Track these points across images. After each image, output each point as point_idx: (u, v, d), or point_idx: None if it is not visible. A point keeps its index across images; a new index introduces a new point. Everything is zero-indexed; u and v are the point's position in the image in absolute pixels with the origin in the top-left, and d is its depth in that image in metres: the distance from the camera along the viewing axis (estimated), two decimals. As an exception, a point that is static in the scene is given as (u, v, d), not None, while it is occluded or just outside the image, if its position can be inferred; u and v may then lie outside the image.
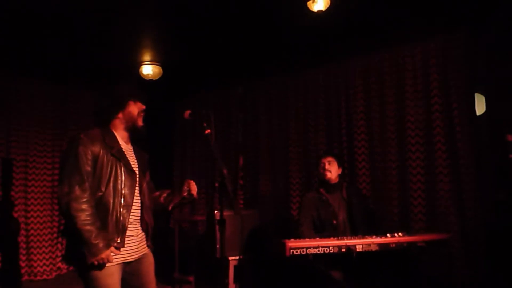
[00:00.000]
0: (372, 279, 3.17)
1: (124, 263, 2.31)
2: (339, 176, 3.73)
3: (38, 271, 5.00)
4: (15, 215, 4.92)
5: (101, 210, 2.24)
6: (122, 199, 2.30)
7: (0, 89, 4.93)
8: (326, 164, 3.73)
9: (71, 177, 2.19)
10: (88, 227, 2.14)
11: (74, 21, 3.89)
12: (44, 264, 5.07)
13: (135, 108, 2.44)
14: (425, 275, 3.44)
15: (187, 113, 2.52)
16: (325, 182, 3.75)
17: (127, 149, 2.47)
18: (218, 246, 4.54)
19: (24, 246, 4.96)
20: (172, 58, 4.95)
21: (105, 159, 2.28)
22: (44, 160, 5.26)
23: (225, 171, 2.24)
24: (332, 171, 3.70)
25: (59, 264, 5.21)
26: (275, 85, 5.24)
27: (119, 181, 2.30)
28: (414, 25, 3.95)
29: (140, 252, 2.42)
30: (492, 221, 3.56)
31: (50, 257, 5.15)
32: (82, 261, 2.14)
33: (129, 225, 2.33)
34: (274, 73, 5.18)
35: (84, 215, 2.15)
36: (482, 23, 3.84)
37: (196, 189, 2.50)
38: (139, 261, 2.41)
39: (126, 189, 2.33)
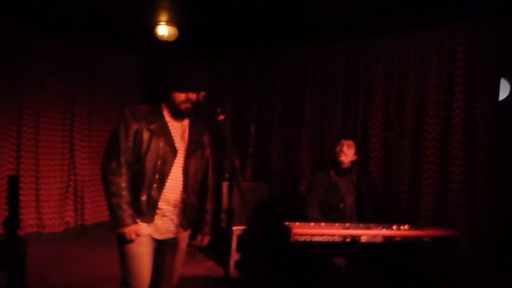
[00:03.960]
0: (375, 268, 3.20)
1: (152, 238, 2.40)
2: (352, 162, 3.69)
3: (47, 224, 5.14)
4: (25, 168, 5.00)
5: (136, 183, 2.36)
6: (157, 175, 2.37)
7: (13, 46, 4.87)
8: (345, 146, 3.66)
9: (111, 151, 2.36)
10: (115, 200, 2.29)
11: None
12: (53, 217, 5.21)
13: (178, 97, 2.43)
14: (429, 268, 3.47)
15: (201, 94, 2.46)
16: (337, 164, 3.71)
17: (175, 125, 2.49)
18: (223, 216, 4.62)
19: (34, 198, 5.08)
20: (190, 20, 4.82)
21: (145, 135, 2.37)
22: (55, 116, 5.28)
23: (236, 162, 2.22)
24: (348, 155, 3.64)
25: (67, 218, 5.34)
26: (294, 57, 5.12)
27: (156, 157, 2.37)
28: (444, 8, 3.76)
29: (169, 234, 2.46)
30: (504, 220, 3.52)
31: (59, 210, 5.28)
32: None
33: (161, 202, 2.39)
34: (294, 45, 5.05)
35: (115, 188, 2.30)
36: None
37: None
38: (166, 243, 2.47)
39: (163, 165, 2.38)
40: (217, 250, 4.90)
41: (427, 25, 4.03)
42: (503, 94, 3.89)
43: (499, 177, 3.62)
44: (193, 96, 2.43)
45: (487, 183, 3.65)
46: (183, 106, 2.43)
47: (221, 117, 2.33)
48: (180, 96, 2.41)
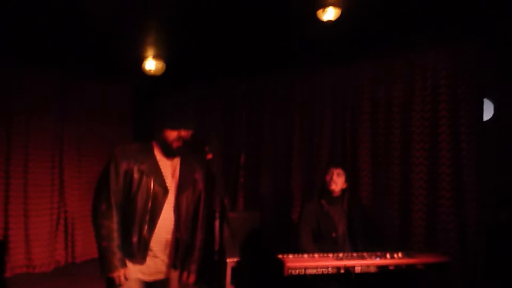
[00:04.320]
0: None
1: (141, 280, 2.36)
2: (343, 190, 3.70)
3: (37, 263, 5.05)
4: (14, 207, 4.94)
5: (127, 225, 2.33)
6: (148, 216, 2.34)
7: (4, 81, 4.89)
8: (335, 174, 3.66)
9: (100, 193, 2.33)
10: (104, 244, 2.26)
11: (79, 13, 3.79)
12: (43, 256, 5.12)
13: (170, 135, 2.42)
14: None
15: (190, 133, 2.47)
16: (327, 193, 3.72)
17: (166, 164, 2.47)
18: (216, 248, 4.56)
19: (23, 238, 5.00)
20: (177, 53, 4.89)
21: (135, 175, 2.34)
22: (44, 152, 5.25)
23: (226, 201, 2.23)
24: (338, 184, 3.65)
25: (58, 257, 5.25)
26: (281, 86, 5.19)
27: (147, 198, 2.34)
28: (425, 34, 3.88)
29: (160, 275, 2.44)
30: (491, 242, 3.54)
31: (49, 249, 5.20)
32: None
33: (153, 243, 2.37)
34: (281, 73, 5.14)
35: (104, 231, 2.26)
36: (494, 32, 3.76)
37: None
38: (156, 284, 2.43)
39: (154, 205, 2.36)
40: (211, 283, 4.83)
41: (410, 50, 4.12)
42: (487, 115, 3.97)
43: (485, 198, 3.66)
44: (185, 133, 2.42)
45: (475, 206, 3.68)
46: (175, 144, 2.42)
47: (209, 156, 2.34)
48: (172, 134, 2.41)
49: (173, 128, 2.41)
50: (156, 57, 4.94)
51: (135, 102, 6.27)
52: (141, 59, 4.96)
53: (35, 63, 5.09)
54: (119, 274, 2.25)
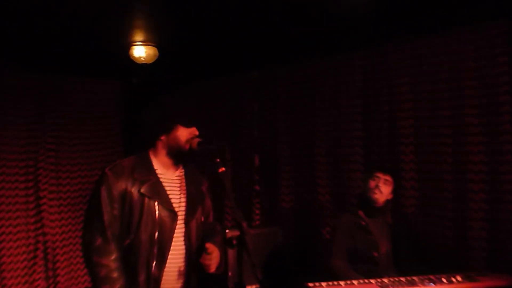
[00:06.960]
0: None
1: None
2: (386, 200, 3.65)
3: (14, 297, 5.08)
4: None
5: (130, 260, 2.29)
6: (156, 248, 2.30)
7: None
8: (382, 181, 3.63)
9: (92, 225, 2.27)
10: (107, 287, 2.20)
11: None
12: (20, 288, 5.15)
13: (184, 133, 2.41)
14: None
15: (195, 141, 2.44)
16: (367, 203, 3.67)
17: (171, 179, 2.45)
18: (230, 274, 4.54)
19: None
20: (173, 38, 4.85)
21: (134, 198, 2.30)
22: (17, 164, 5.25)
23: (244, 224, 2.19)
24: (384, 193, 3.62)
25: (37, 289, 5.27)
26: (300, 72, 5.16)
27: (152, 226, 2.30)
28: (476, 9, 3.81)
29: None
30: None
31: (27, 281, 5.21)
32: None
33: (164, 279, 2.33)
34: (299, 58, 5.10)
35: (104, 271, 2.21)
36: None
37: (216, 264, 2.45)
38: None
39: (162, 235, 2.32)
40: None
41: (460, 25, 4.03)
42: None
43: None
44: (197, 133, 2.44)
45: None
46: (188, 146, 2.40)
47: (222, 169, 2.30)
48: (187, 132, 2.41)
49: (188, 125, 2.40)
50: (146, 42, 4.90)
51: (126, 100, 6.22)
52: (128, 44, 4.92)
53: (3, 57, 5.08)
54: None
